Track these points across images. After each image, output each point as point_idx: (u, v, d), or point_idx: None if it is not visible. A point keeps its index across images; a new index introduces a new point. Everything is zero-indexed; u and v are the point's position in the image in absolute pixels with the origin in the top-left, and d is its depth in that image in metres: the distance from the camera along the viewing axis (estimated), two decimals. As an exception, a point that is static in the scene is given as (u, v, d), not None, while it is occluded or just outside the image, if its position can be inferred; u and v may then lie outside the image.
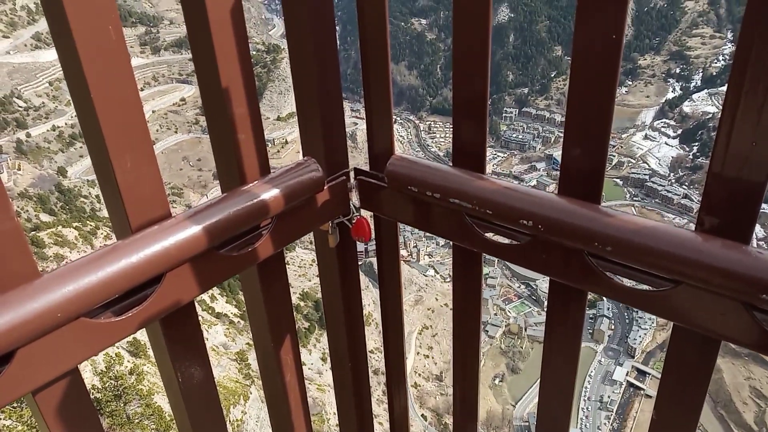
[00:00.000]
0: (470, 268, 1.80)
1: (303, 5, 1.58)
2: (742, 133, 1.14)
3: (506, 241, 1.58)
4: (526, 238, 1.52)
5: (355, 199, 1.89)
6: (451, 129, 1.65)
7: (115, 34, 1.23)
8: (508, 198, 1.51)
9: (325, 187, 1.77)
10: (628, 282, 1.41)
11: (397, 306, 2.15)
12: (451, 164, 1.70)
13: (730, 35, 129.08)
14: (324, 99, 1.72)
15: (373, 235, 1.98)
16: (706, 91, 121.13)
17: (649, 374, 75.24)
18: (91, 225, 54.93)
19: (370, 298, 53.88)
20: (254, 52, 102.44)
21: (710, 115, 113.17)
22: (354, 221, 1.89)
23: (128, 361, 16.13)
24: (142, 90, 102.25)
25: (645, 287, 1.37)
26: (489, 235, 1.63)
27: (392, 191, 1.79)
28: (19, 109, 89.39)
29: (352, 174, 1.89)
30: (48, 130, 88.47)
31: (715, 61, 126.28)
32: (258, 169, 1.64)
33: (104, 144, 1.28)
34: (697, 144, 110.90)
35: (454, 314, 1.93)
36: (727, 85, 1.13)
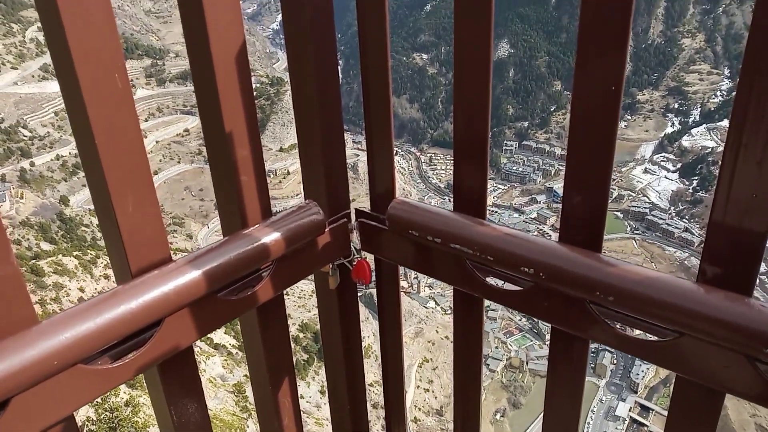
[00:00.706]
0: (471, 312, 1.79)
1: (306, 40, 1.58)
2: (742, 184, 1.13)
3: (508, 286, 1.58)
4: (527, 284, 1.51)
5: (356, 240, 1.88)
6: (453, 169, 1.64)
7: (121, 82, 1.24)
8: (509, 245, 1.50)
9: (326, 230, 1.76)
10: (630, 331, 1.40)
11: (397, 340, 2.14)
12: (452, 207, 1.69)
13: (727, 71, 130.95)
14: (326, 139, 1.71)
15: (373, 278, 1.97)
16: (704, 125, 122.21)
17: (653, 410, 73.95)
18: (91, 254, 54.80)
19: (370, 329, 53.37)
20: (258, 85, 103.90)
21: (709, 150, 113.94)
22: (355, 263, 1.88)
23: (124, 392, 15.92)
24: (146, 121, 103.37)
25: (648, 337, 1.36)
26: (490, 278, 1.62)
27: (393, 234, 1.78)
28: (24, 138, 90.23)
29: (353, 215, 1.89)
30: (52, 159, 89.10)
31: (713, 96, 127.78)
32: (260, 212, 1.64)
33: (107, 188, 1.28)
34: (696, 178, 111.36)
35: (455, 357, 1.92)
36: (726, 138, 1.13)
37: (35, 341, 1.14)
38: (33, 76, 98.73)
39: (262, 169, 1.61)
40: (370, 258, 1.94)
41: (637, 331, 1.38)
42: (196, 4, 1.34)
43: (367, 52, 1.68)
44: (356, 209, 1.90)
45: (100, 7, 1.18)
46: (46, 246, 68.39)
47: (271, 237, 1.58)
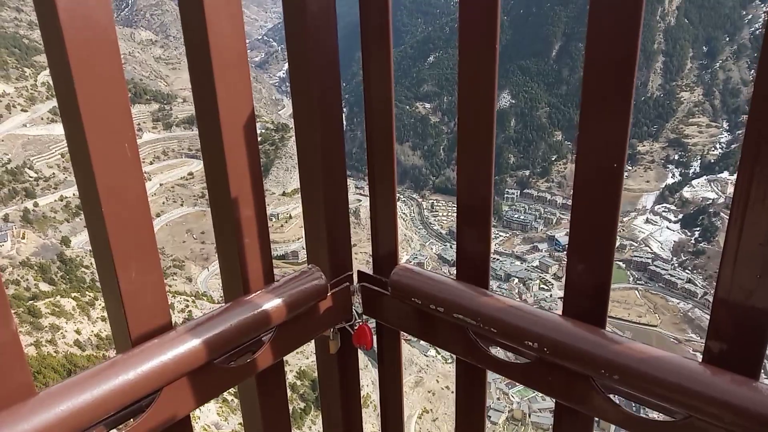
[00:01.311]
0: (474, 381, 1.76)
1: (312, 88, 1.59)
2: (746, 266, 1.12)
3: (511, 356, 1.56)
4: (531, 356, 1.49)
5: (357, 303, 1.87)
6: (456, 235, 1.62)
7: (131, 152, 1.26)
8: (512, 317, 1.48)
9: (328, 294, 1.75)
10: (635, 408, 1.38)
11: (398, 397, 2.08)
12: (455, 275, 1.67)
13: (725, 125, 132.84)
14: (329, 196, 1.70)
15: (374, 343, 1.94)
16: (705, 177, 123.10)
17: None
18: (89, 295, 54.45)
19: (369, 378, 52.31)
20: (263, 131, 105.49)
21: (710, 201, 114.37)
22: (356, 328, 1.86)
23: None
24: (151, 164, 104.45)
25: (653, 415, 1.34)
26: (494, 347, 1.61)
27: (396, 300, 1.76)
28: (30, 179, 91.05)
29: (355, 275, 1.88)
30: (56, 200, 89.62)
31: (713, 148, 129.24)
32: (262, 277, 1.63)
33: (111, 255, 1.28)
34: (698, 229, 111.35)
35: (457, 426, 1.88)
36: (728, 219, 1.13)
37: (31, 415, 1.10)
38: (42, 119, 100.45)
39: (265, 231, 1.61)
40: (371, 321, 1.93)
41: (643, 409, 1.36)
42: (205, 54, 1.35)
43: (372, 103, 1.69)
44: (359, 271, 1.88)
45: (113, 82, 1.20)
46: (44, 287, 68.00)
47: (272, 303, 1.57)
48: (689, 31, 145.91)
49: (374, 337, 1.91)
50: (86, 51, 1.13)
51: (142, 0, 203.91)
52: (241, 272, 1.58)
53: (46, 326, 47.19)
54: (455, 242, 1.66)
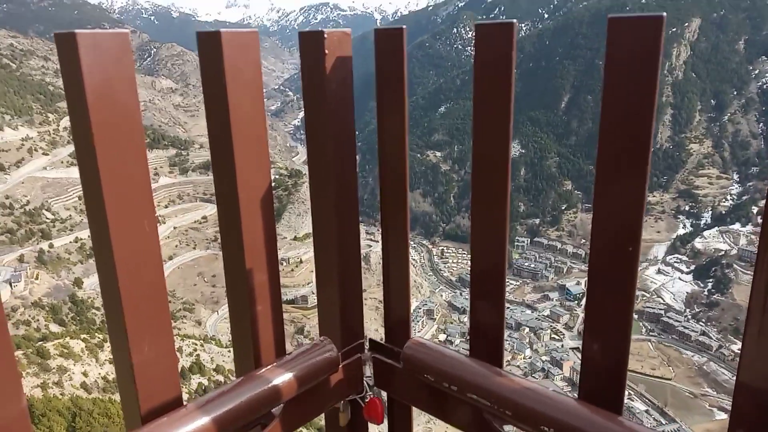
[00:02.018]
0: None
1: (326, 138, 1.65)
2: (766, 359, 1.10)
3: None
4: None
5: (368, 371, 1.86)
6: (469, 308, 1.64)
7: (149, 227, 1.29)
8: (528, 399, 1.44)
9: (339, 366, 1.75)
10: None
11: None
12: (468, 350, 1.68)
13: (736, 176, 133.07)
14: (342, 261, 1.75)
15: (385, 418, 1.91)
16: (716, 228, 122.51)
17: None
18: (98, 337, 54.66)
19: None
20: (277, 176, 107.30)
21: (722, 252, 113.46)
22: (367, 400, 1.83)
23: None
24: (166, 207, 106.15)
25: None
26: (508, 426, 1.58)
27: (408, 374, 1.75)
28: (47, 220, 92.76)
29: (366, 342, 1.89)
30: (71, 242, 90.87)
31: (724, 200, 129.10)
32: (273, 349, 1.64)
33: (125, 329, 1.29)
34: (711, 280, 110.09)
35: None
36: (746, 318, 1.11)
37: None
38: (62, 162, 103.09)
39: (278, 299, 1.62)
40: (382, 393, 1.95)
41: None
42: (223, 110, 1.42)
43: (386, 151, 1.76)
44: (370, 340, 1.89)
45: (136, 160, 1.25)
46: (54, 328, 68.30)
47: (283, 378, 1.55)
48: (697, 85, 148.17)
49: (385, 411, 1.88)
50: (111, 133, 1.18)
51: (164, 50, 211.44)
52: (253, 344, 1.59)
53: (54, 368, 47.29)
54: (468, 315, 1.69)
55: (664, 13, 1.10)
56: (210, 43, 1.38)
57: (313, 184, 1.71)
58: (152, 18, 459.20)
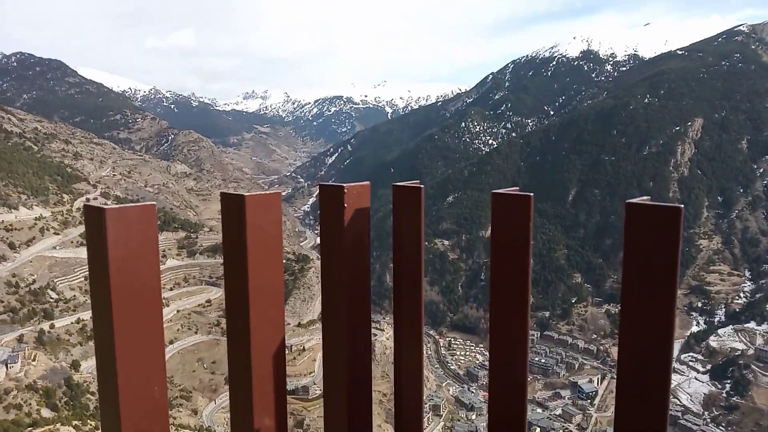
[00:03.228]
0: None
1: (341, 287, 1.64)
2: None
3: None
4: None
5: None
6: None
7: (159, 394, 1.30)
8: None
9: None
10: None
11: None
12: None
13: (747, 273, 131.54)
14: (353, 366, 1.69)
15: None
16: (731, 326, 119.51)
17: None
18: (90, 424, 52.48)
19: None
20: (284, 261, 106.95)
21: (739, 352, 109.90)
22: None
23: None
24: (171, 290, 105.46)
25: None
26: None
27: None
28: (50, 300, 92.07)
29: None
30: (72, 323, 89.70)
31: (737, 297, 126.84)
32: None
33: None
34: (729, 382, 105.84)
35: None
36: None
37: None
38: (72, 242, 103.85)
39: (283, 402, 1.59)
40: None
41: None
42: (241, 270, 1.44)
43: (402, 248, 1.73)
44: None
45: (152, 335, 1.28)
46: (46, 413, 65.83)
47: None
48: (703, 182, 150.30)
49: None
50: (129, 302, 1.21)
51: (181, 137, 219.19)
52: None
53: (40, 457, 45.06)
54: (488, 413, 1.59)
55: (682, 205, 1.12)
56: (233, 205, 1.42)
57: (326, 335, 1.71)
58: (172, 106, 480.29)
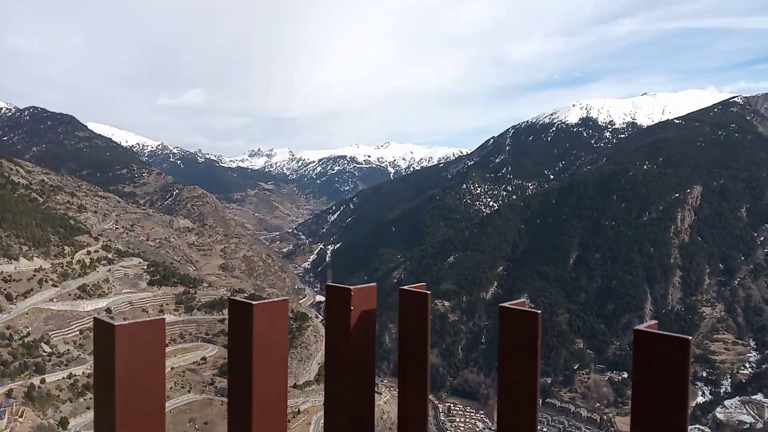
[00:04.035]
0: None
1: (344, 388, 1.63)
2: None
3: None
4: None
5: None
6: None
7: None
8: None
9: None
10: None
11: None
12: None
13: (752, 343, 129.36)
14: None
15: None
16: (738, 398, 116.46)
17: None
18: (74, 487, 50.41)
19: None
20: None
21: (747, 425, 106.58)
22: None
23: None
24: (166, 347, 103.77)
25: None
26: None
27: None
28: (43, 354, 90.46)
29: None
30: (64, 378, 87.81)
31: (742, 367, 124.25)
32: None
33: None
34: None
35: None
36: None
37: None
38: (69, 294, 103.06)
39: None
40: None
41: None
42: (246, 375, 1.45)
43: (408, 358, 1.71)
44: None
45: None
46: (29, 474, 63.40)
47: None
48: (704, 248, 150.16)
49: None
50: (133, 415, 1.21)
51: (185, 192, 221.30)
52: None
53: None
54: None
55: (690, 337, 1.12)
56: (241, 312, 1.42)
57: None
58: (179, 162, 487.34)
